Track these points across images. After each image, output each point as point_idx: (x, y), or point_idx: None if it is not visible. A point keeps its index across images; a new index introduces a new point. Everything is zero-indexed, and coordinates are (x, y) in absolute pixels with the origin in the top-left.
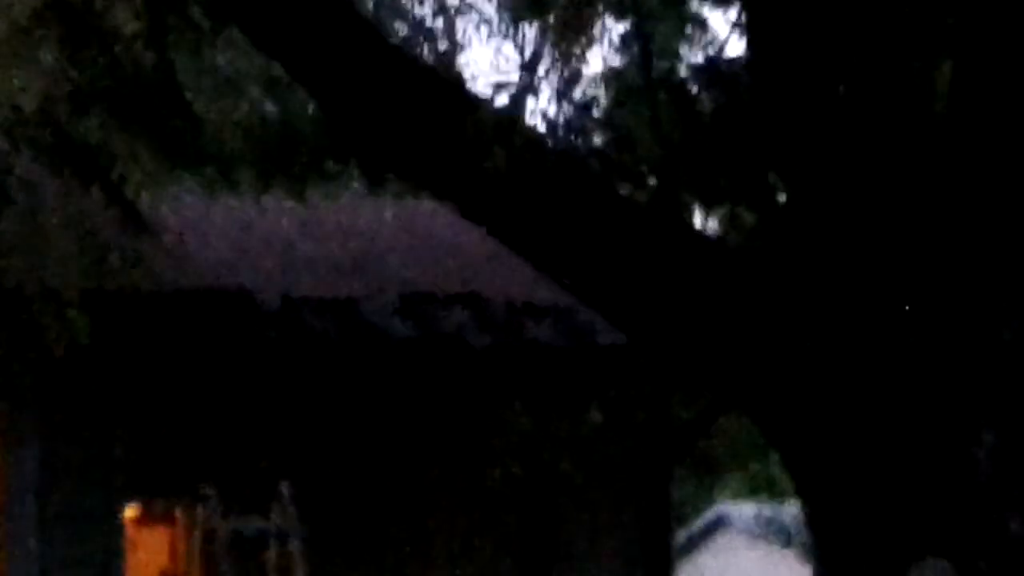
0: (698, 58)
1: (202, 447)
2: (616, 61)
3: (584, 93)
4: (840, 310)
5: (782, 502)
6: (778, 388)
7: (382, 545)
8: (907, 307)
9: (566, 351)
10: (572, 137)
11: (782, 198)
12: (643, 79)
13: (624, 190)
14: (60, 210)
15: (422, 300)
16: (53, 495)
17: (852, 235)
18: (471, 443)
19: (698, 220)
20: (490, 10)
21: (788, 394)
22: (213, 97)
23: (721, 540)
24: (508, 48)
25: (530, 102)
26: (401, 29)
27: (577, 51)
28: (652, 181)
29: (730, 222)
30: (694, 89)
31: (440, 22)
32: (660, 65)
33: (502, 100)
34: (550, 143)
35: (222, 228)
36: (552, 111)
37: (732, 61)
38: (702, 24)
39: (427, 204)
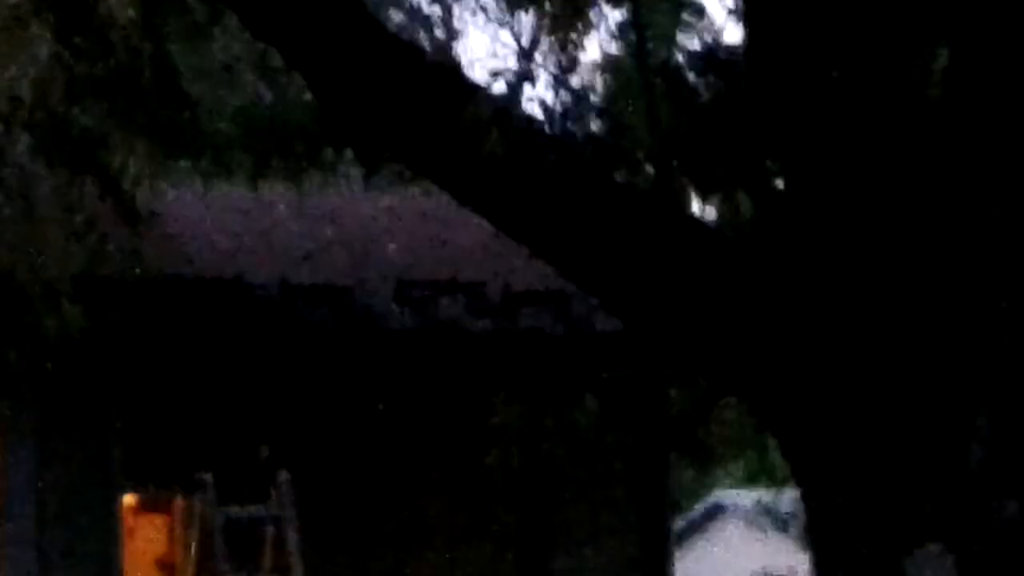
0: (695, 45)
1: (199, 436)
2: (613, 48)
3: (581, 80)
4: (836, 296)
5: (780, 489)
6: (774, 375)
7: (379, 533)
8: (903, 293)
9: (563, 339)
10: (569, 124)
11: (779, 185)
12: (640, 66)
13: (621, 177)
14: (56, 199)
15: (419, 288)
16: (51, 485)
17: (849, 221)
18: (468, 431)
19: (695, 207)
20: None
21: (784, 381)
22: (210, 85)
23: (719, 527)
24: (505, 35)
25: (527, 89)
26: (398, 16)
27: (574, 38)
28: (649, 168)
29: (727, 209)
30: (691, 76)
31: (437, 9)
32: (657, 52)
33: (499, 87)
34: (547, 130)
35: (219, 217)
36: (549, 98)
37: (729, 48)
38: (699, 11)
39: (423, 192)
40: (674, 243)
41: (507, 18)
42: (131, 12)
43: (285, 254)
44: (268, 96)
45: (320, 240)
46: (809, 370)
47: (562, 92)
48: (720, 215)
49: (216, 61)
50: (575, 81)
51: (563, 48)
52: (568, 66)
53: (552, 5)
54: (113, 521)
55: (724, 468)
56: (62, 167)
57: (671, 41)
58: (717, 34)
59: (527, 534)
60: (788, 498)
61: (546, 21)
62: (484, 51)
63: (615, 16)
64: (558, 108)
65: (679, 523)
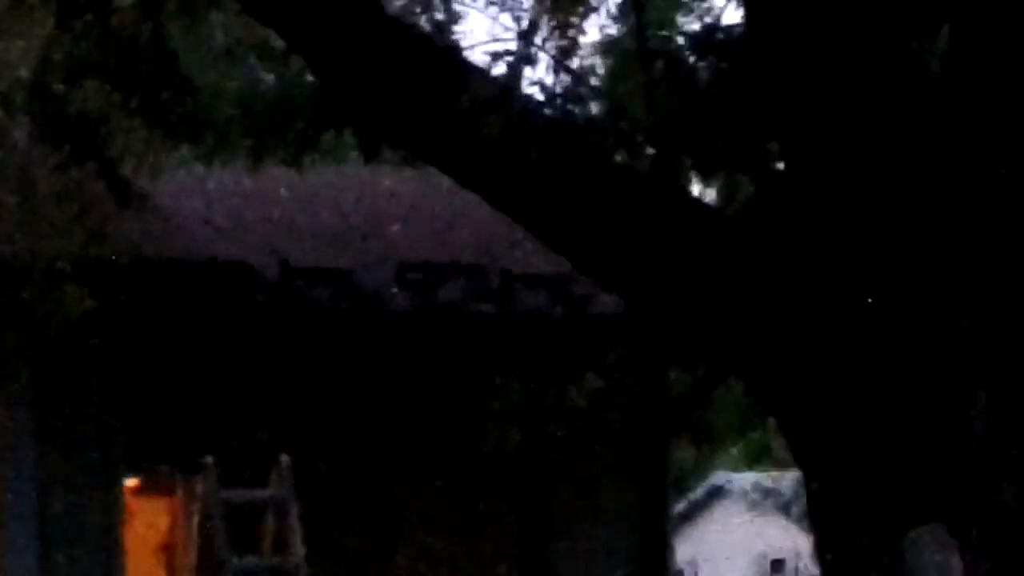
0: (695, 26)
1: (200, 418)
2: (613, 30)
3: (581, 62)
4: (836, 278)
5: (781, 471)
6: (775, 357)
7: (380, 515)
8: (904, 275)
9: (563, 320)
10: (569, 106)
11: (779, 166)
12: (639, 48)
13: (621, 159)
14: (55, 182)
15: (419, 270)
16: (51, 468)
17: (848, 201)
18: (468, 413)
19: (695, 189)
20: None
21: (785, 363)
22: (209, 67)
23: (720, 509)
24: (505, 17)
25: (527, 71)
26: None
27: (574, 20)
28: (648, 150)
29: (727, 190)
30: (691, 58)
31: None
32: (656, 34)
33: (499, 69)
34: (547, 112)
35: (219, 199)
36: (549, 80)
37: (729, 29)
38: None
39: (424, 174)
40: (674, 225)
41: (507, 0)
42: None
43: (286, 236)
44: (268, 77)
45: (321, 222)
46: (809, 352)
47: (562, 74)
48: (720, 197)
49: (216, 43)
50: (575, 63)
51: (563, 30)
52: (568, 48)
53: None
54: (114, 504)
55: (725, 450)
56: (62, 149)
57: (671, 23)
58: (717, 15)
59: (526, 516)
60: (789, 480)
61: (546, 3)
62: (484, 33)
63: None
64: (558, 90)
65: (680, 505)
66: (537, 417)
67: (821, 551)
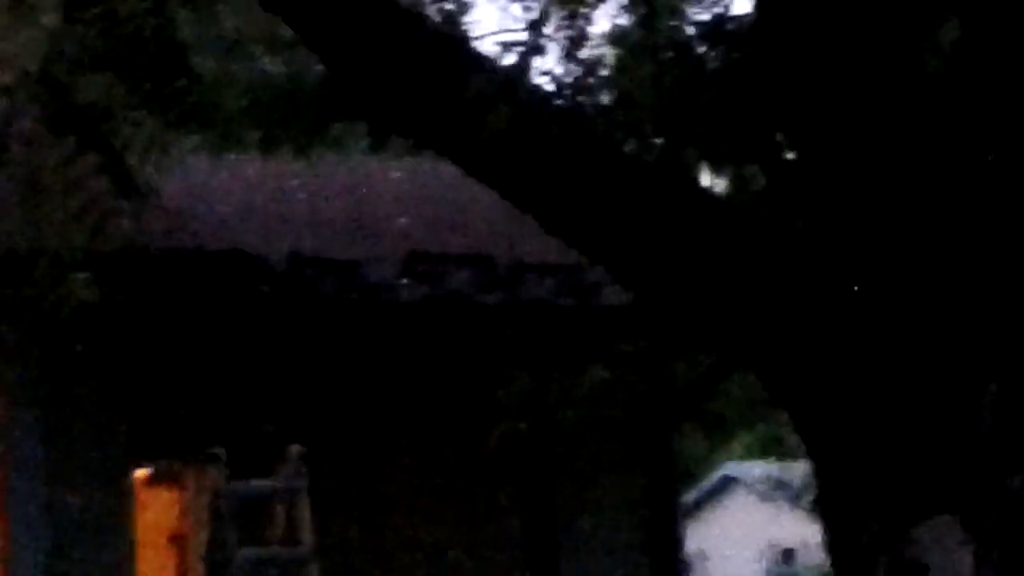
0: (704, 16)
1: (209, 408)
2: (622, 19)
3: (590, 52)
4: (846, 268)
5: (790, 461)
6: (785, 347)
7: (389, 505)
8: (914, 265)
9: (571, 311)
10: (578, 96)
11: (789, 156)
12: (649, 37)
13: (630, 149)
14: (62, 171)
15: (428, 260)
16: (61, 460)
17: (858, 192)
18: (477, 403)
19: (705, 179)
20: None
21: (795, 353)
22: (217, 57)
23: (730, 499)
24: (515, 7)
25: (536, 61)
26: None
27: (583, 10)
28: (658, 140)
29: (737, 181)
30: (700, 47)
31: None
32: (666, 23)
33: (509, 59)
34: (556, 102)
35: (227, 189)
36: (558, 70)
37: (739, 19)
38: None
39: (432, 163)
40: (684, 215)
41: None
42: None
43: (294, 226)
44: (276, 68)
45: (329, 212)
46: (819, 343)
47: (571, 64)
48: (730, 187)
49: (224, 33)
50: (584, 53)
51: (572, 19)
52: (577, 38)
53: None
54: (125, 495)
55: (735, 440)
56: (68, 139)
57: (680, 12)
58: (727, 5)
59: (535, 506)
60: (799, 470)
61: None
62: (494, 23)
63: None
64: (567, 80)
65: (690, 495)
66: (545, 407)
67: (831, 541)
